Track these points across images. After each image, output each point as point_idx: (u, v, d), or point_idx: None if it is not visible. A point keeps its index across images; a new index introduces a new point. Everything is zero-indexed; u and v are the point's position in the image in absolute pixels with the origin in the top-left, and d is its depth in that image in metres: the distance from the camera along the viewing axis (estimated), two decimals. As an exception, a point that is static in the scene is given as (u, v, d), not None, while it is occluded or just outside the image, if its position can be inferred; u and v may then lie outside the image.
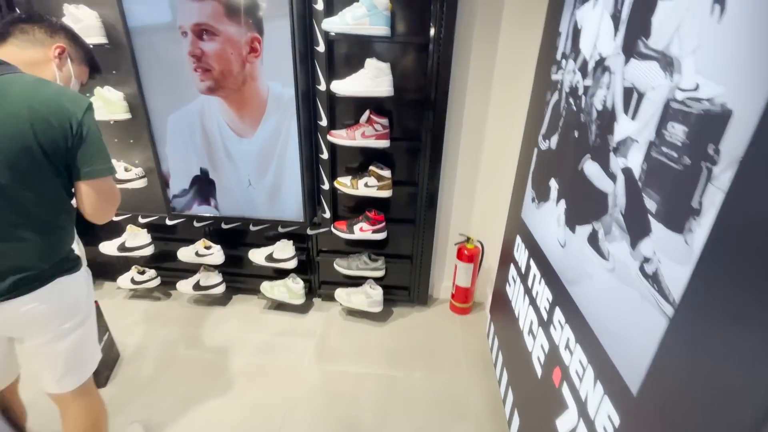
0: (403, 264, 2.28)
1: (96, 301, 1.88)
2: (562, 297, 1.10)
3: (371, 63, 1.66)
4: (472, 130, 2.01)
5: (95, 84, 1.87)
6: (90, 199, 0.96)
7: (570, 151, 1.11)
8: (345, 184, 1.92)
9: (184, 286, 2.27)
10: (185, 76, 1.75)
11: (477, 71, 1.88)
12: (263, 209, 2.04)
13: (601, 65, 0.95)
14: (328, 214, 2.09)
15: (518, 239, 1.58)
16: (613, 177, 0.86)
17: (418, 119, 1.91)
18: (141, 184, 2.06)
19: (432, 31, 1.70)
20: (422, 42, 1.74)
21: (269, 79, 1.74)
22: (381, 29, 1.60)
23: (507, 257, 1.74)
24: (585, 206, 1.00)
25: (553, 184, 1.22)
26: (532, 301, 1.34)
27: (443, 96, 1.83)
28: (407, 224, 2.17)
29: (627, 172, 0.81)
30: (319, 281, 2.42)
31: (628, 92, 0.83)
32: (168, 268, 2.40)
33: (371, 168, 1.86)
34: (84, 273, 1.09)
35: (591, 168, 0.97)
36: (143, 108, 1.84)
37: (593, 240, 0.94)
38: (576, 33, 1.13)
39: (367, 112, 1.77)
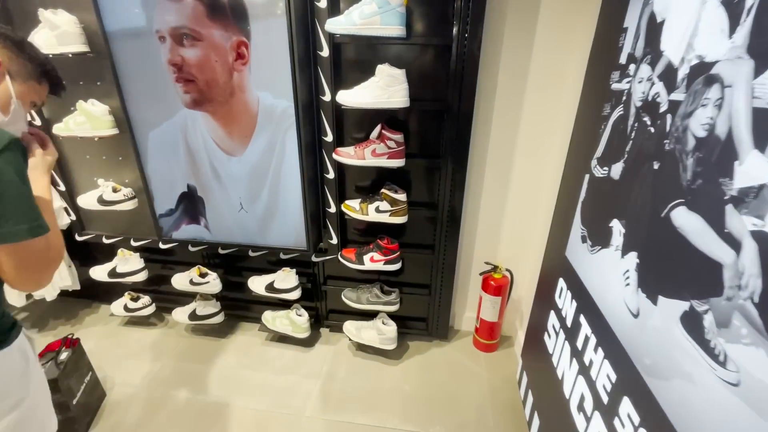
0: (421, 293, 2.02)
1: (77, 339, 1.71)
2: (633, 386, 0.81)
3: (383, 69, 1.40)
4: (501, 146, 1.73)
5: (78, 96, 1.69)
6: (7, 266, 0.73)
7: (645, 187, 0.83)
8: (353, 208, 1.67)
9: (180, 314, 2.08)
10: (168, 87, 1.54)
11: (508, 77, 1.60)
12: (258, 236, 1.81)
13: (705, 73, 0.67)
14: (334, 240, 1.85)
15: (561, 283, 1.29)
16: (733, 242, 0.58)
17: (439, 133, 1.65)
18: (130, 205, 1.87)
19: (455, 31, 1.43)
20: (443, 43, 1.47)
21: (259, 89, 1.51)
22: (394, 29, 1.34)
23: (545, 299, 1.46)
24: (675, 272, 0.71)
25: (617, 226, 0.94)
26: (584, 371, 1.06)
27: (468, 107, 1.55)
28: (425, 250, 1.90)
29: (764, 240, 0.53)
30: (326, 310, 2.18)
31: (762, 116, 0.55)
32: (164, 292, 2.21)
33: (383, 191, 1.60)
34: (18, 346, 0.87)
35: (688, 220, 0.68)
36: (127, 123, 1.64)
37: (693, 326, 0.65)
38: (653, 29, 0.84)
39: (379, 127, 1.51)
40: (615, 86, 1.01)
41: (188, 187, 1.75)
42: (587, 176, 1.14)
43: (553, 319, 1.35)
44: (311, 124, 1.62)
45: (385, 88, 1.42)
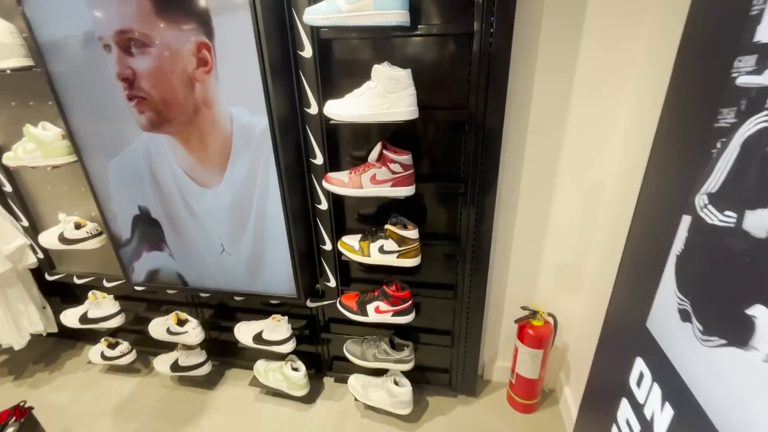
0: (441, 343, 1.65)
1: (29, 408, 1.44)
2: None
3: (381, 71, 1.06)
4: (539, 164, 1.34)
5: (27, 119, 1.44)
6: None
7: None
8: (352, 248, 1.32)
9: (161, 364, 1.80)
10: (122, 107, 1.25)
11: (548, 72, 1.22)
12: (245, 281, 1.50)
13: None
14: (332, 283, 1.51)
15: (640, 364, 0.90)
16: None
17: (458, 150, 1.28)
18: (96, 243, 1.60)
19: (478, 14, 1.06)
20: (462, 32, 1.11)
21: (231, 103, 1.20)
22: (392, 14, 0.99)
23: (610, 375, 1.06)
24: None
25: (765, 317, 0.55)
26: None
27: (496, 115, 1.18)
28: (445, 291, 1.54)
29: None
30: (330, 356, 1.85)
31: None
32: (147, 333, 1.94)
33: (388, 227, 1.25)
34: None
35: None
36: (76, 151, 1.37)
37: None
38: None
39: (378, 147, 1.16)
40: (744, 80, 0.62)
41: (140, 209, 1.45)
42: (687, 219, 0.75)
43: (626, 411, 0.96)
44: (295, 144, 1.30)
45: (384, 95, 1.07)
